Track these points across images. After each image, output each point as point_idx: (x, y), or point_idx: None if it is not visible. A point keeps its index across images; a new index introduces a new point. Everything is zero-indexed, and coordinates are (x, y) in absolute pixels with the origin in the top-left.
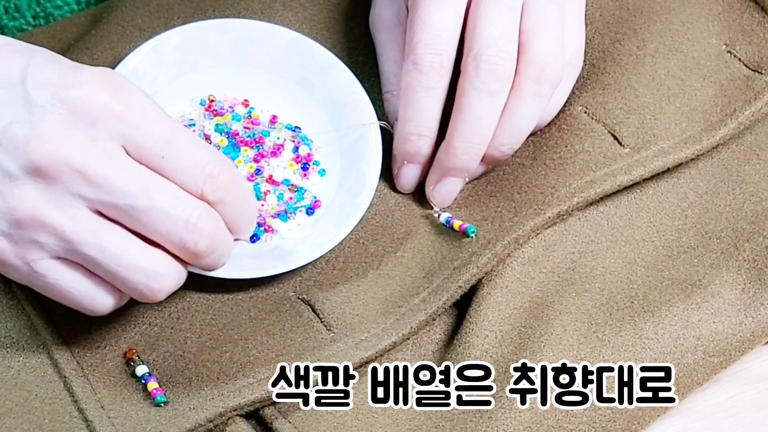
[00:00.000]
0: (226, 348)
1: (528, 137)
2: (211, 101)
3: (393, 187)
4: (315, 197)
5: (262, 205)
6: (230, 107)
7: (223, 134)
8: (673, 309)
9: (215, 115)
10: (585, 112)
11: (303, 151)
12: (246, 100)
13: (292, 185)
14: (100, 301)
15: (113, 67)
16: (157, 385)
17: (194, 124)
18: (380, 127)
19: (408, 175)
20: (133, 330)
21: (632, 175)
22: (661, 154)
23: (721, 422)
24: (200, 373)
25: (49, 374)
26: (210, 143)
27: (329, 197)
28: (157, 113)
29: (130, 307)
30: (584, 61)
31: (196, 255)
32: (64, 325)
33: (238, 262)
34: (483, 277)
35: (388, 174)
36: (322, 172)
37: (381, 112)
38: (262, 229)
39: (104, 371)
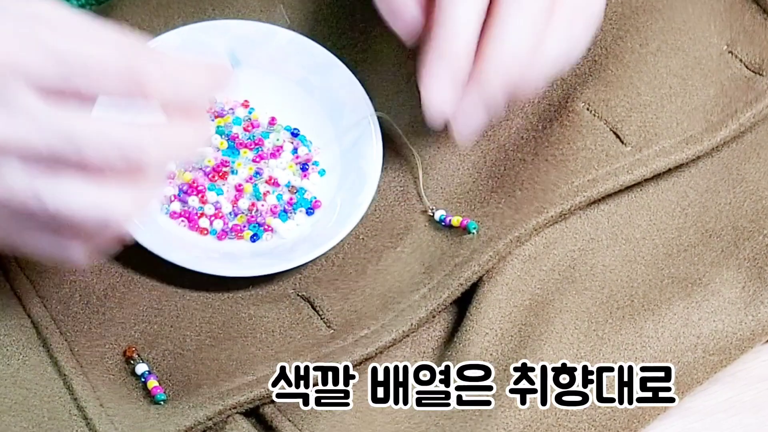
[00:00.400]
0: (225, 346)
1: (529, 132)
2: (212, 103)
3: (392, 183)
4: (314, 198)
5: (262, 205)
6: (231, 109)
7: (223, 136)
8: (673, 307)
9: (216, 117)
10: (587, 109)
11: (302, 152)
12: (246, 101)
13: (292, 186)
14: (75, 253)
15: None
16: (156, 383)
17: None
18: (381, 129)
19: (440, 86)
20: (132, 328)
21: (634, 175)
22: (662, 153)
23: (721, 422)
24: (200, 371)
25: (48, 372)
26: (210, 144)
27: (329, 197)
28: (39, 35)
29: (129, 306)
30: (586, 57)
31: (150, 172)
32: (63, 323)
33: (238, 261)
34: (483, 275)
35: (387, 170)
36: (322, 172)
37: (381, 108)
38: (261, 228)
39: (104, 369)
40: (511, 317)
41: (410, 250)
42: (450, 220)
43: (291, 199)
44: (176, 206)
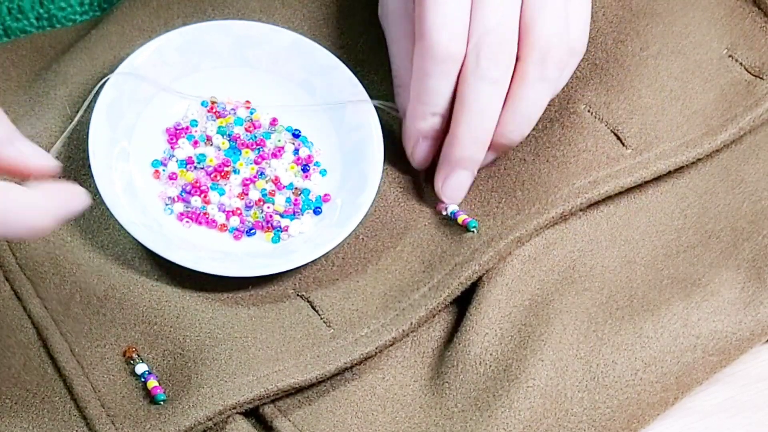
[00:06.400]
0: (225, 346)
1: (530, 133)
2: (213, 103)
3: (393, 183)
4: (319, 196)
5: (268, 207)
6: (232, 109)
7: (224, 137)
8: (672, 308)
9: (217, 117)
10: (588, 111)
11: (303, 152)
12: (248, 101)
13: (296, 188)
14: None
15: (115, 68)
16: (156, 383)
17: (196, 124)
18: (382, 126)
19: (424, 151)
20: (132, 329)
21: (634, 177)
22: (663, 156)
23: (721, 422)
24: (200, 371)
25: (49, 373)
26: (212, 144)
27: (331, 198)
28: None
29: (129, 307)
30: (587, 60)
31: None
32: (63, 324)
33: (239, 261)
34: (483, 275)
35: (387, 170)
36: (323, 173)
37: (382, 110)
38: (279, 229)
39: (104, 370)
40: (511, 317)
41: (410, 250)
42: (458, 216)
43: (296, 200)
44: (179, 207)
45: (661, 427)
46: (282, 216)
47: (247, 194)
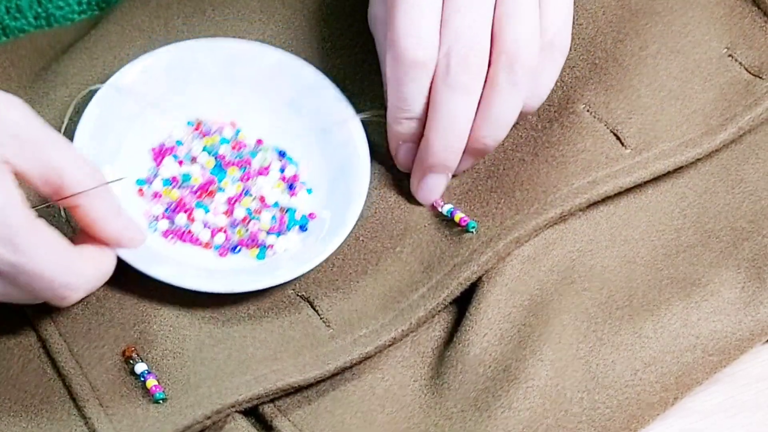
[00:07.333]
0: (224, 345)
1: (529, 132)
2: (199, 123)
3: (391, 184)
4: (304, 216)
5: (254, 224)
6: (218, 129)
7: (210, 155)
8: (672, 308)
9: (203, 136)
10: (587, 111)
11: (289, 171)
12: (233, 121)
13: (281, 207)
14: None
15: (115, 70)
16: (155, 383)
17: (182, 144)
18: (379, 131)
19: (405, 153)
20: (132, 329)
21: (633, 177)
22: (662, 156)
23: (721, 422)
24: (198, 371)
25: (48, 373)
26: (197, 164)
27: (317, 215)
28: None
29: (129, 307)
30: (587, 59)
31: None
32: (63, 325)
33: (224, 278)
34: (483, 275)
35: (387, 171)
36: (309, 191)
37: (369, 127)
38: (265, 247)
39: (103, 370)
40: (510, 317)
41: (409, 250)
42: (455, 214)
43: (282, 218)
44: (164, 224)
45: (661, 427)
46: (267, 233)
47: (232, 213)
